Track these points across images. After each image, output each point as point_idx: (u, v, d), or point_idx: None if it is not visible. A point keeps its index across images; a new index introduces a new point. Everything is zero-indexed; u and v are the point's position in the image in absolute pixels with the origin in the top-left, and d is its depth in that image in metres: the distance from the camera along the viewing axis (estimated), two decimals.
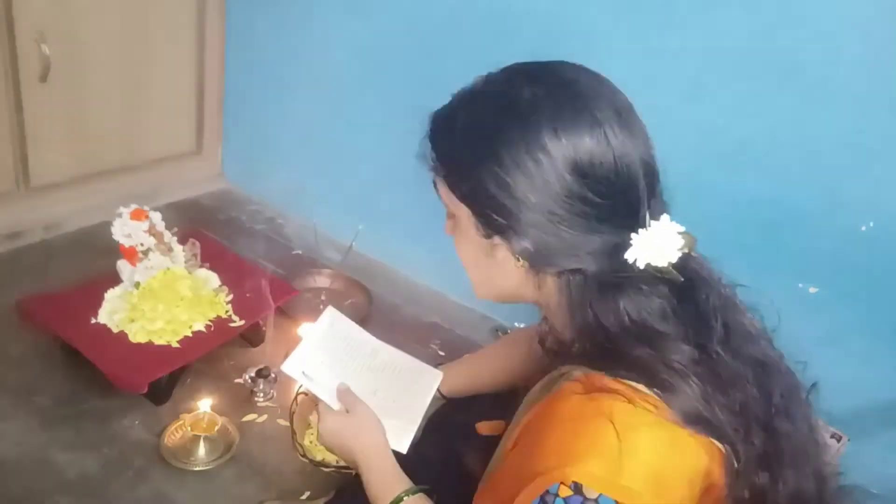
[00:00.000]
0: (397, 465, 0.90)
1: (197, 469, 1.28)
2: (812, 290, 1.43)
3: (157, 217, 1.52)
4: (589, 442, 0.60)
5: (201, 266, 1.59)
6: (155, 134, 2.10)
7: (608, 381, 0.64)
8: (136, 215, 1.47)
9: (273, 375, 1.49)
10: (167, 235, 1.53)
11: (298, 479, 1.32)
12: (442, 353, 1.73)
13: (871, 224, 1.33)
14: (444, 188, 0.76)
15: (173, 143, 2.20)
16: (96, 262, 1.69)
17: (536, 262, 0.71)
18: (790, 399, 0.69)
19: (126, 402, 1.38)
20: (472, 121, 0.72)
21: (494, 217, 0.70)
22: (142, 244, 1.48)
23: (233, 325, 1.51)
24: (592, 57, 1.65)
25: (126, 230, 1.46)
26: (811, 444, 0.71)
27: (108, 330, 1.40)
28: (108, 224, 1.47)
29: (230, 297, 1.56)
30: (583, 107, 0.68)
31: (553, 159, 0.66)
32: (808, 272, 1.43)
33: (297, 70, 2.07)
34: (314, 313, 1.70)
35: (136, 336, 1.39)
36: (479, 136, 0.70)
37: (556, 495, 0.59)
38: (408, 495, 0.84)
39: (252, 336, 1.60)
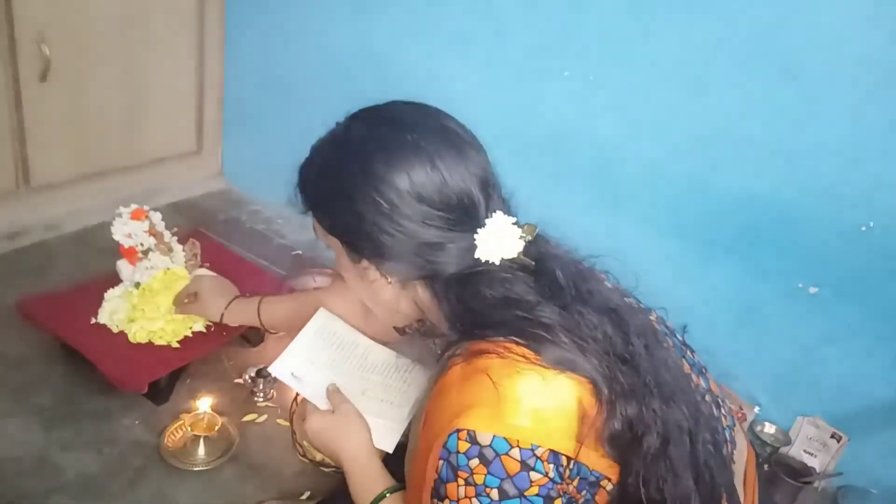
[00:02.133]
0: (381, 465, 0.91)
1: (197, 469, 1.28)
2: (812, 290, 1.44)
3: (157, 217, 1.52)
4: (471, 396, 0.68)
5: (201, 266, 1.59)
6: (155, 134, 2.10)
7: (483, 344, 0.71)
8: (136, 215, 1.47)
9: (273, 375, 1.49)
10: (167, 235, 1.53)
11: (298, 479, 1.32)
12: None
13: (871, 224, 1.33)
14: (317, 227, 0.86)
15: (173, 143, 2.20)
16: (96, 262, 1.70)
17: (400, 275, 0.79)
18: (647, 336, 0.75)
19: (126, 402, 1.38)
20: (323, 164, 0.83)
21: (357, 243, 0.80)
22: (142, 244, 1.48)
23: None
24: (592, 58, 1.66)
25: (126, 230, 1.46)
26: (679, 376, 0.75)
27: (108, 330, 1.41)
28: (108, 224, 1.47)
29: None
30: (406, 138, 0.76)
31: (391, 186, 0.75)
32: (808, 272, 1.43)
33: (297, 70, 2.07)
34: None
35: (136, 336, 1.39)
36: (330, 176, 0.81)
37: (457, 452, 0.66)
38: (389, 493, 0.86)
39: (252, 336, 1.60)
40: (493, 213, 0.77)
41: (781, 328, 1.49)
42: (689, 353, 0.83)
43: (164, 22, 1.97)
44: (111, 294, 1.46)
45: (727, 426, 0.81)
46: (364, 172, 0.76)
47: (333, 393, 0.99)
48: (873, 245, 1.34)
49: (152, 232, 1.50)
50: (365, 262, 0.81)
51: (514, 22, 1.62)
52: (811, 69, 1.32)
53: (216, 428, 1.33)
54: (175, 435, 1.34)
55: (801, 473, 1.50)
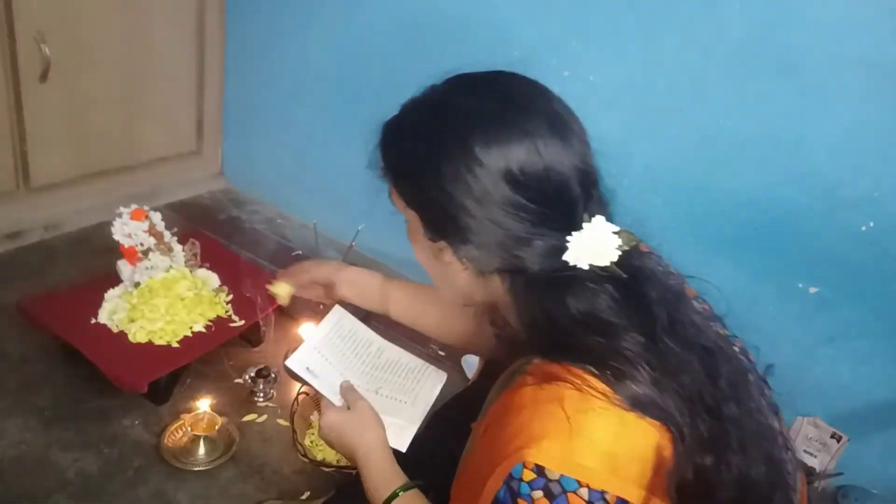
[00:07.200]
0: (395, 462, 0.91)
1: (197, 469, 1.28)
2: (812, 290, 1.44)
3: (157, 217, 1.52)
4: (542, 424, 0.63)
5: (201, 266, 1.59)
6: (155, 134, 2.10)
7: (558, 370, 0.66)
8: (136, 215, 1.48)
9: (273, 375, 1.49)
10: (167, 235, 1.53)
11: (298, 479, 1.32)
12: (442, 353, 1.74)
13: (871, 224, 1.33)
14: (394, 194, 0.81)
15: (173, 143, 2.20)
16: (96, 262, 1.70)
17: (479, 264, 0.75)
18: (738, 384, 0.71)
19: (126, 402, 1.38)
20: (414, 130, 0.76)
21: (438, 222, 0.75)
22: (142, 244, 1.48)
23: (233, 325, 1.51)
24: (592, 58, 1.65)
25: (126, 230, 1.46)
26: (763, 428, 0.71)
27: (108, 330, 1.40)
28: (108, 224, 1.47)
29: (230, 297, 1.56)
30: (514, 118, 0.71)
31: (487, 169, 0.70)
32: (808, 272, 1.43)
33: (297, 70, 2.07)
34: (314, 313, 1.70)
35: (136, 336, 1.39)
36: (421, 146, 0.74)
37: (521, 479, 0.62)
38: (403, 490, 0.85)
39: (252, 336, 1.60)
40: (593, 217, 0.72)
41: (781, 328, 1.49)
42: (766, 391, 0.77)
43: (164, 22, 1.97)
44: (111, 294, 1.46)
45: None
46: (461, 149, 0.70)
47: (348, 390, 0.99)
48: (873, 245, 1.34)
49: (152, 232, 1.50)
50: (443, 243, 0.76)
51: (515, 22, 1.62)
52: (811, 69, 1.32)
53: (216, 428, 1.33)
54: (175, 435, 1.34)
55: None
